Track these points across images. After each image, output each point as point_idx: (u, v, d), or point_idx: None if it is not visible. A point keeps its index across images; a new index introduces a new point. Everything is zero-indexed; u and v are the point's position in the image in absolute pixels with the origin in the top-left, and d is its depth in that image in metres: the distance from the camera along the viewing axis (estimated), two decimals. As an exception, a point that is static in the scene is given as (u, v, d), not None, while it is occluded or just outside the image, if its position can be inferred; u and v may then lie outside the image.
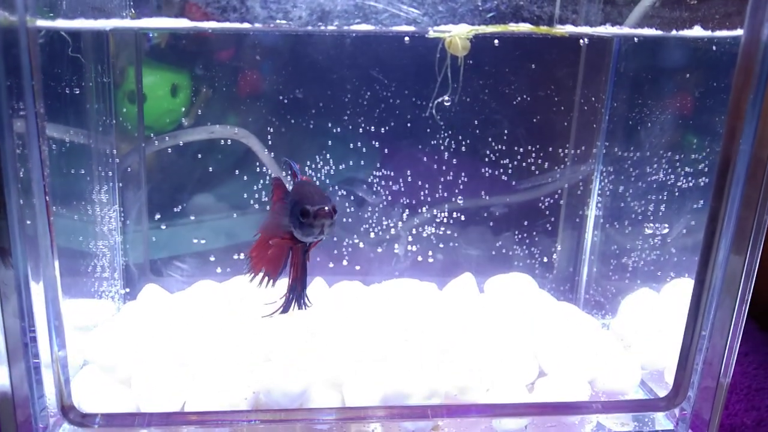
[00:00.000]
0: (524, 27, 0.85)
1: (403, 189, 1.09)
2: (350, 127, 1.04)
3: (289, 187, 0.87)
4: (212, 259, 1.11)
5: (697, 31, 0.88)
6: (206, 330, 0.95)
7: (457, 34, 0.79)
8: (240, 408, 0.83)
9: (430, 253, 1.14)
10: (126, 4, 0.89)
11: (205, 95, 1.05)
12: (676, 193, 1.00)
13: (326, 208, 0.76)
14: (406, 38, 0.87)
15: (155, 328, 0.95)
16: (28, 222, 0.70)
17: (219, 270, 1.10)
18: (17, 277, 0.71)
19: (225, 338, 0.94)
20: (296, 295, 0.86)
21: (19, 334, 0.73)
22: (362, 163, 1.07)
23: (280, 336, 0.93)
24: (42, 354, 0.75)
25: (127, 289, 1.10)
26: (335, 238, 1.11)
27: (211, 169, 1.07)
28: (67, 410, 0.78)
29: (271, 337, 0.93)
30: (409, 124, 1.03)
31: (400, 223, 1.11)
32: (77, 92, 0.93)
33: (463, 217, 1.12)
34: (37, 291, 0.73)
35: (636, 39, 1.03)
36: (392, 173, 1.07)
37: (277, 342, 0.92)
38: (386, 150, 1.05)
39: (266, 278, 0.86)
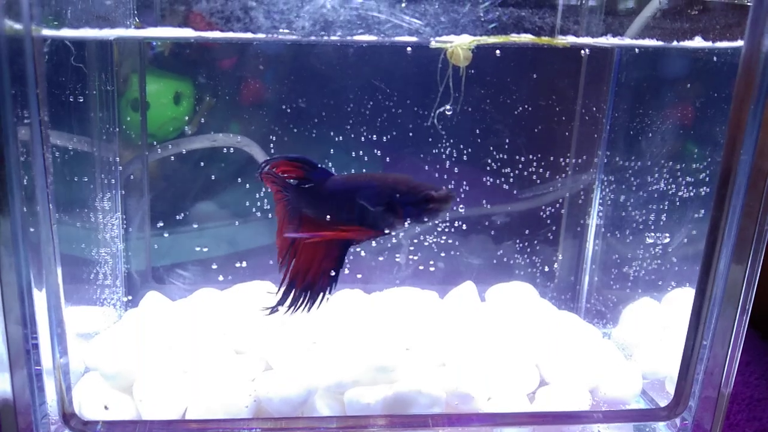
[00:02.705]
0: (526, 38, 0.85)
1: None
2: (352, 136, 1.04)
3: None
4: (214, 266, 1.11)
5: (697, 42, 0.89)
6: (208, 338, 0.95)
7: (459, 45, 0.79)
8: (241, 416, 0.83)
9: (432, 261, 1.14)
10: (131, 13, 0.89)
11: (208, 104, 1.06)
12: (677, 203, 1.00)
13: (445, 190, 0.75)
14: (408, 49, 0.88)
15: (157, 336, 0.95)
16: (32, 229, 0.70)
17: (221, 278, 1.10)
18: (20, 284, 0.71)
19: (226, 346, 0.94)
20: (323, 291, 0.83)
21: (21, 341, 0.73)
22: (364, 172, 1.07)
23: (282, 344, 0.93)
24: (44, 361, 0.75)
25: (129, 297, 1.11)
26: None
27: (213, 177, 1.07)
28: (68, 417, 0.78)
29: (273, 345, 0.93)
30: (411, 134, 1.03)
31: (401, 231, 1.11)
32: (81, 100, 0.93)
33: (464, 226, 1.12)
34: (39, 298, 0.73)
35: (637, 50, 1.03)
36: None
37: (279, 350, 0.92)
38: (388, 159, 1.05)
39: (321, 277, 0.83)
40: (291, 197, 0.84)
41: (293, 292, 0.83)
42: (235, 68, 1.05)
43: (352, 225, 0.79)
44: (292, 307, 0.83)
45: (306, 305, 0.83)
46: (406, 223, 0.77)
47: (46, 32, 0.77)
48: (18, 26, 0.64)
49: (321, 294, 0.83)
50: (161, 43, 1.03)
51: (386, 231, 0.79)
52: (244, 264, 1.09)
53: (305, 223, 0.85)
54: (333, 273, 0.82)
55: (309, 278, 0.83)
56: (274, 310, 0.83)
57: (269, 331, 0.95)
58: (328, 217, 0.81)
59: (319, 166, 0.83)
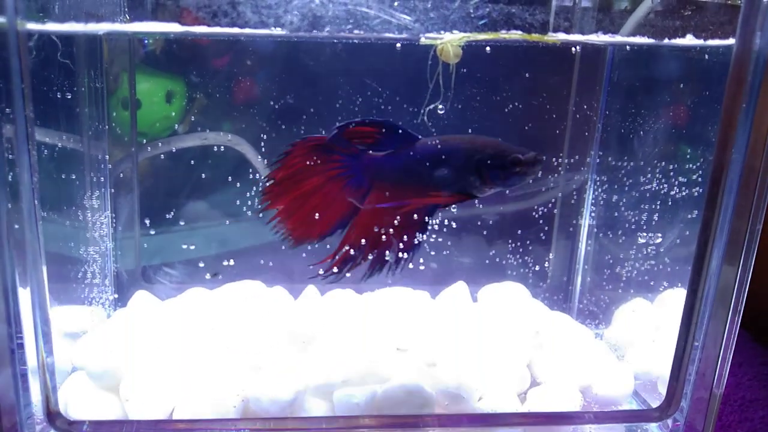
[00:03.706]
0: (516, 34, 0.84)
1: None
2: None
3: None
4: (202, 265, 1.10)
5: (689, 40, 0.88)
6: (196, 337, 0.94)
7: (448, 41, 0.79)
8: (229, 416, 0.82)
9: (422, 260, 1.13)
10: (121, 10, 0.89)
11: (200, 102, 1.05)
12: (670, 203, 1.00)
13: (533, 153, 0.73)
14: (398, 45, 0.87)
15: (145, 335, 0.94)
16: (16, 226, 0.70)
17: (208, 276, 1.09)
18: (4, 282, 0.70)
19: (215, 346, 0.94)
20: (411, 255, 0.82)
21: (5, 341, 0.72)
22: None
23: (271, 344, 0.92)
24: (29, 360, 0.74)
25: (116, 296, 1.10)
26: (328, 246, 1.10)
27: (204, 175, 1.06)
28: (53, 417, 0.78)
29: (262, 344, 0.92)
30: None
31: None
32: (69, 97, 0.92)
33: (456, 226, 1.11)
34: (24, 297, 0.72)
35: (629, 48, 1.03)
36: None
37: (268, 350, 0.91)
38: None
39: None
40: (359, 166, 0.82)
41: (358, 259, 0.83)
42: (227, 67, 1.04)
43: (438, 189, 0.78)
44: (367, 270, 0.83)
45: (383, 270, 0.83)
46: (492, 187, 0.76)
47: (33, 26, 0.76)
48: (2, 20, 0.64)
49: (403, 260, 0.82)
50: (153, 41, 1.02)
51: (473, 195, 0.78)
52: (231, 262, 1.09)
53: (376, 191, 0.82)
54: (418, 239, 0.82)
55: (386, 245, 0.82)
56: (329, 274, 0.83)
57: (257, 330, 0.94)
58: (412, 182, 0.79)
59: (404, 129, 0.80)
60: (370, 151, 0.81)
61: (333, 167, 0.82)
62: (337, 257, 0.84)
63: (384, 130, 0.79)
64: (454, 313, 1.03)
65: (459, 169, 0.77)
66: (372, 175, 0.82)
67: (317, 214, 0.84)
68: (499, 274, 1.15)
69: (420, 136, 0.80)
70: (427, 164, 0.79)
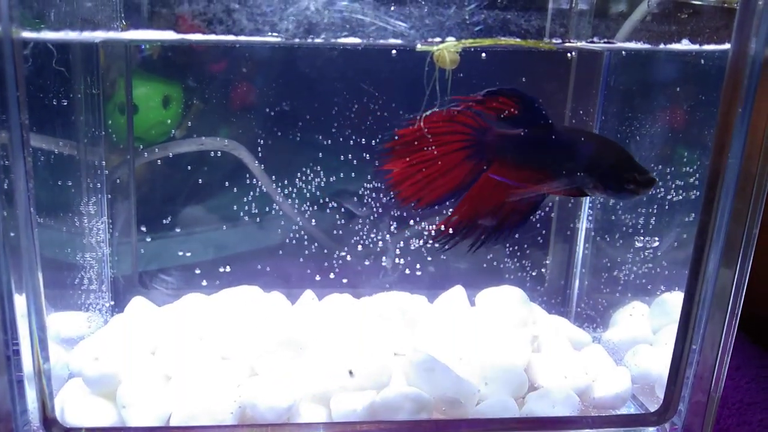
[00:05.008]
0: (512, 41, 0.85)
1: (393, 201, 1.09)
2: (340, 139, 1.03)
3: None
4: (197, 271, 1.09)
5: (685, 45, 0.89)
6: (193, 343, 0.94)
7: (445, 47, 0.79)
8: (226, 422, 0.82)
9: (418, 266, 1.13)
10: (117, 15, 0.89)
11: (196, 107, 1.05)
12: (667, 207, 1.00)
13: (649, 175, 0.75)
14: (393, 51, 0.88)
15: (142, 341, 0.94)
16: (12, 234, 0.70)
17: (205, 283, 1.09)
18: (0, 289, 0.70)
19: (212, 352, 0.93)
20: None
21: (2, 347, 0.72)
22: (352, 175, 1.06)
23: (268, 349, 0.92)
24: (25, 367, 0.74)
25: (113, 302, 1.10)
26: (325, 251, 1.10)
27: (200, 180, 1.06)
28: (50, 424, 0.77)
29: (259, 350, 0.92)
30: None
31: (388, 236, 1.11)
32: (66, 104, 0.92)
33: (452, 230, 1.11)
34: (20, 303, 0.72)
35: (625, 53, 1.03)
36: (382, 186, 1.07)
37: (265, 355, 0.91)
38: (376, 162, 1.05)
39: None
40: (485, 139, 0.81)
41: (465, 231, 0.83)
42: (223, 72, 1.04)
43: (554, 178, 0.78)
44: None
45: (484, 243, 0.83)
46: (603, 194, 0.78)
47: (28, 34, 0.76)
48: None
49: (507, 236, 0.82)
50: (150, 46, 1.02)
51: (584, 193, 0.78)
52: (228, 269, 1.08)
53: (495, 168, 0.81)
54: (522, 219, 0.82)
55: (492, 220, 0.82)
56: (443, 242, 0.84)
57: (255, 336, 0.94)
58: (532, 167, 0.79)
59: (541, 108, 0.79)
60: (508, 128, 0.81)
61: (458, 138, 0.81)
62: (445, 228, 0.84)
63: (522, 106, 0.78)
64: (451, 318, 1.03)
65: (580, 166, 0.77)
66: (494, 151, 0.81)
67: (432, 181, 0.83)
68: (496, 278, 1.15)
69: (551, 120, 0.79)
70: (553, 152, 0.79)
